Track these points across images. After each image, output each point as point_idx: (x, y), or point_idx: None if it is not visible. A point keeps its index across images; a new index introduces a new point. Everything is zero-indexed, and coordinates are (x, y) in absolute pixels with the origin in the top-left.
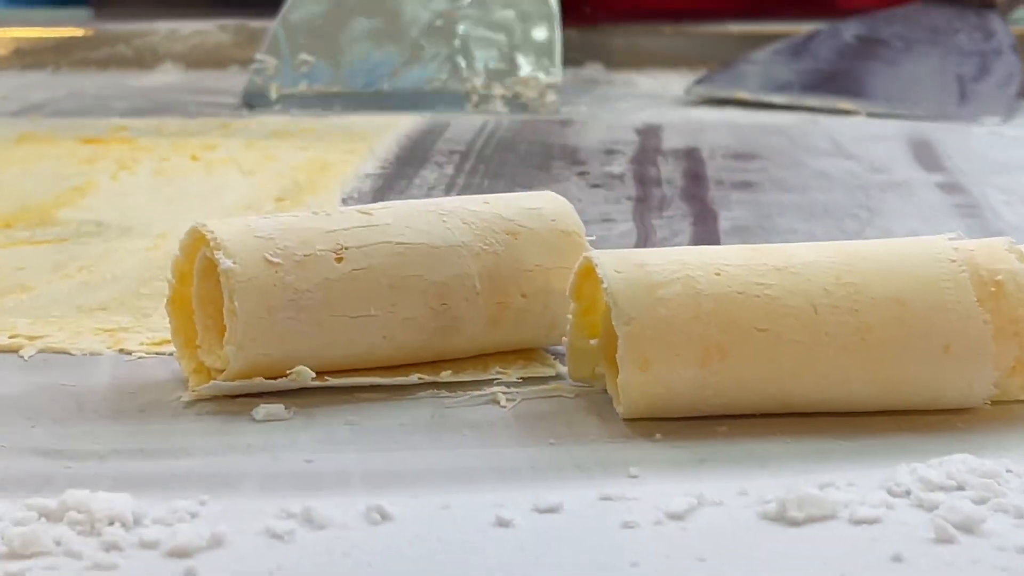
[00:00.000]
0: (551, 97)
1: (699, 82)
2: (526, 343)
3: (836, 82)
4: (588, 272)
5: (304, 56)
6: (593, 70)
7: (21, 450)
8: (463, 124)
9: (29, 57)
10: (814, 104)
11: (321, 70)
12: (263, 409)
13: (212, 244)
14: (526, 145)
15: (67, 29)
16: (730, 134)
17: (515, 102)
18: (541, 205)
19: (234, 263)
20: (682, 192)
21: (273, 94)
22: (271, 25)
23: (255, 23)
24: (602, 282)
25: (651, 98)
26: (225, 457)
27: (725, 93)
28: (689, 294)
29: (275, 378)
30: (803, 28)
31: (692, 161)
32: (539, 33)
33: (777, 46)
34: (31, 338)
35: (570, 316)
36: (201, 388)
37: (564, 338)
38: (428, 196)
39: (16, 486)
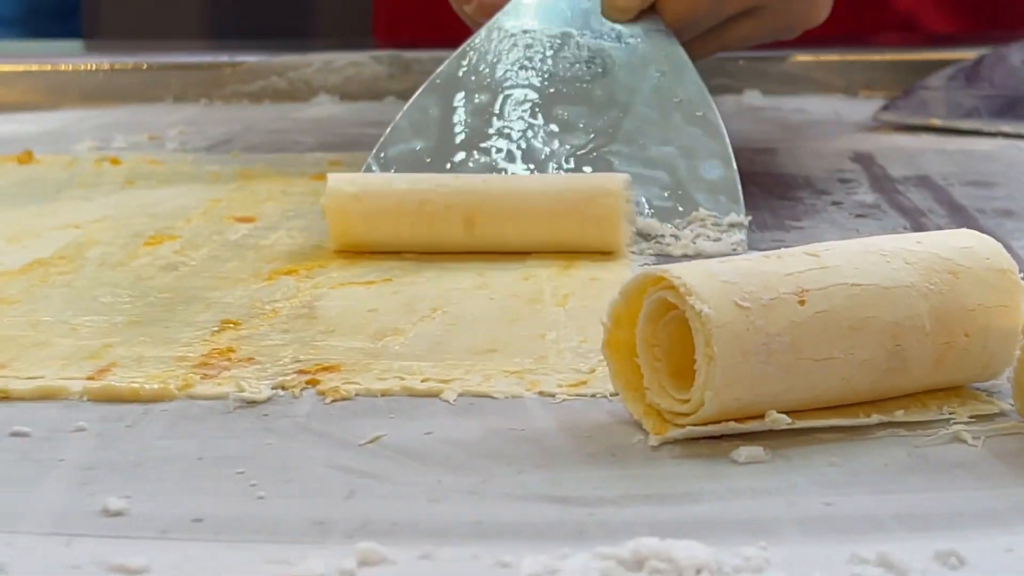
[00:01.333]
0: (737, 236)
1: (886, 109)
2: (960, 381)
3: (1022, 107)
4: None
5: None
6: (751, 96)
7: (529, 497)
8: None
9: (178, 89)
10: (1007, 130)
11: None
12: (744, 452)
13: (683, 290)
14: (758, 176)
15: (216, 61)
16: (947, 161)
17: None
18: (972, 244)
19: (709, 308)
20: (955, 221)
21: None
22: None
23: (408, 54)
24: None
25: (834, 124)
26: (741, 501)
27: (917, 120)
28: None
29: (741, 420)
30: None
31: (933, 189)
32: (712, 171)
33: (948, 72)
34: (442, 381)
35: (1018, 352)
36: (674, 433)
37: (1008, 375)
38: None
39: (555, 533)
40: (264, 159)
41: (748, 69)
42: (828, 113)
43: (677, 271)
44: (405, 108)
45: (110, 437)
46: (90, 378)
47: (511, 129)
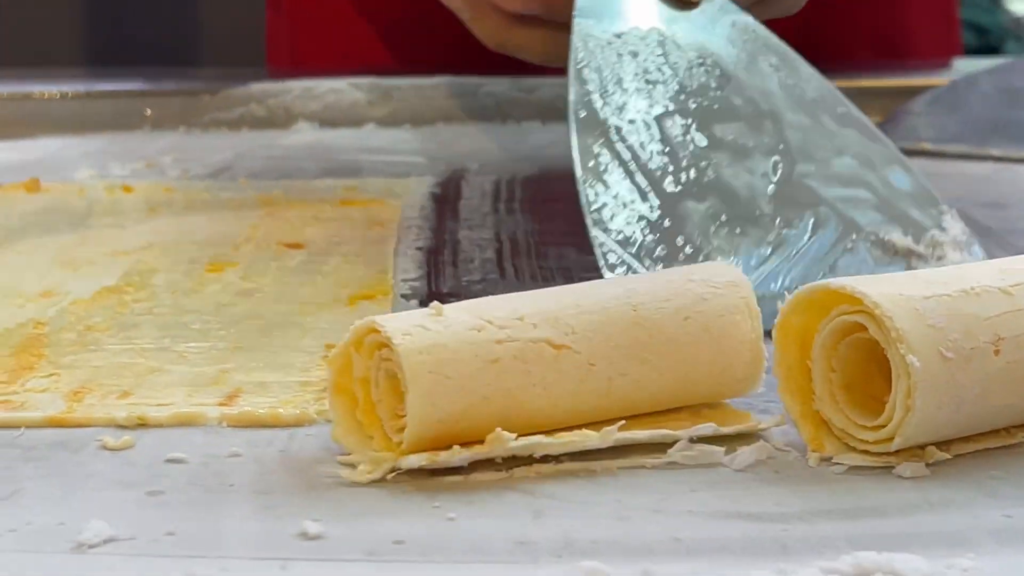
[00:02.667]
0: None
1: None
2: None
3: (1008, 130)
4: None
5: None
6: None
7: (715, 514)
8: None
9: (155, 117)
10: (996, 153)
11: None
12: (908, 467)
13: (893, 335)
14: None
15: (192, 88)
16: (952, 184)
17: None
18: None
19: (917, 361)
20: (991, 245)
21: None
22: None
23: (387, 81)
24: None
25: None
26: (924, 515)
27: (908, 144)
28: None
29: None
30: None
31: None
32: (899, 179)
33: (926, 97)
34: None
35: None
36: (846, 458)
37: None
38: None
39: (759, 550)
40: (276, 185)
41: None
42: None
43: (885, 306)
44: (578, 162)
45: (268, 462)
46: (222, 404)
47: (695, 166)
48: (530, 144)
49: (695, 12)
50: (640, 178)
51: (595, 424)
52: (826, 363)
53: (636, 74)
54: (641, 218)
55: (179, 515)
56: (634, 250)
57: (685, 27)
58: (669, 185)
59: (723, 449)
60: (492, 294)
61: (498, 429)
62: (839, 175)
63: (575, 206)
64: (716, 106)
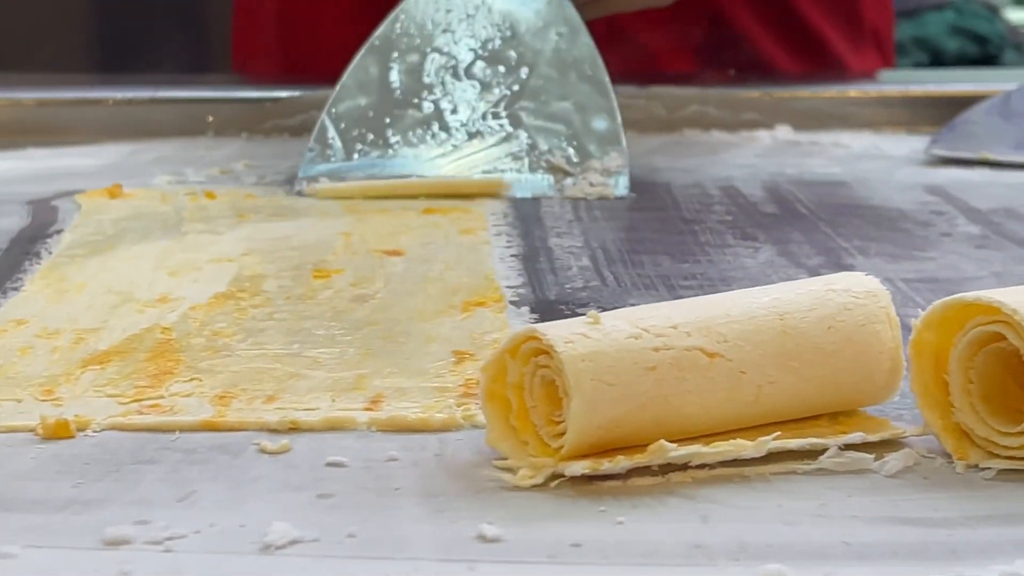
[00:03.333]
0: (621, 180)
1: (935, 143)
2: None
3: None
4: None
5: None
6: (784, 131)
7: (878, 519)
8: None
9: (217, 124)
10: None
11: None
12: None
13: None
14: (860, 210)
15: (253, 96)
16: (1019, 194)
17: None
18: None
19: None
20: None
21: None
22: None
23: None
24: None
25: (883, 158)
26: None
27: (970, 154)
28: None
29: None
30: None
31: None
32: (599, 124)
33: (983, 107)
34: None
35: None
36: (994, 464)
37: None
38: None
39: (931, 554)
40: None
41: (776, 105)
42: (868, 147)
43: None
44: (351, 67)
45: (427, 466)
46: (368, 409)
47: (437, 87)
48: None
49: None
50: (388, 88)
51: (742, 431)
52: (964, 376)
53: (440, 24)
54: (362, 111)
55: (355, 518)
56: (347, 132)
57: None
58: (407, 99)
59: (872, 456)
60: (597, 301)
61: (661, 441)
62: (551, 113)
63: (657, 213)
64: (488, 55)
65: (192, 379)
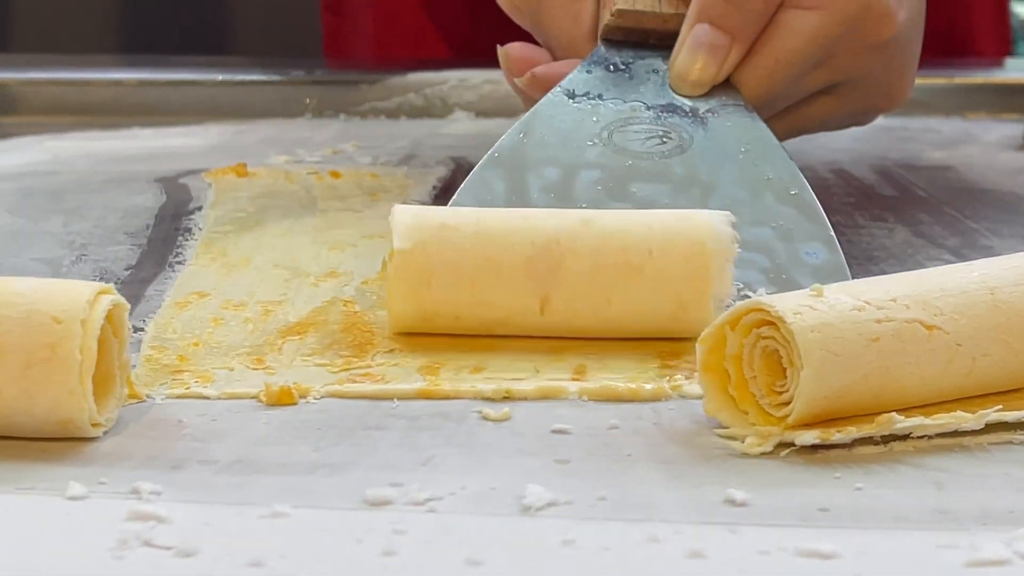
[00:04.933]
0: None
1: None
2: None
3: None
4: None
5: None
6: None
7: None
8: None
9: (315, 106)
10: None
11: None
12: None
13: None
14: (977, 193)
15: (349, 78)
16: None
17: None
18: None
19: None
20: None
21: None
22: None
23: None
24: None
25: (978, 144)
26: None
27: None
28: None
29: None
30: None
31: None
32: (813, 255)
33: None
34: None
35: None
36: None
37: None
38: None
39: None
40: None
41: None
42: (959, 132)
43: None
44: (465, 183)
45: (649, 434)
46: (575, 379)
47: (584, 209)
48: None
49: (704, 101)
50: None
51: (955, 402)
52: None
53: (584, 135)
54: None
55: (598, 482)
56: None
57: (672, 108)
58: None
59: None
60: None
61: (893, 414)
62: (743, 242)
63: None
64: (649, 170)
65: (391, 350)
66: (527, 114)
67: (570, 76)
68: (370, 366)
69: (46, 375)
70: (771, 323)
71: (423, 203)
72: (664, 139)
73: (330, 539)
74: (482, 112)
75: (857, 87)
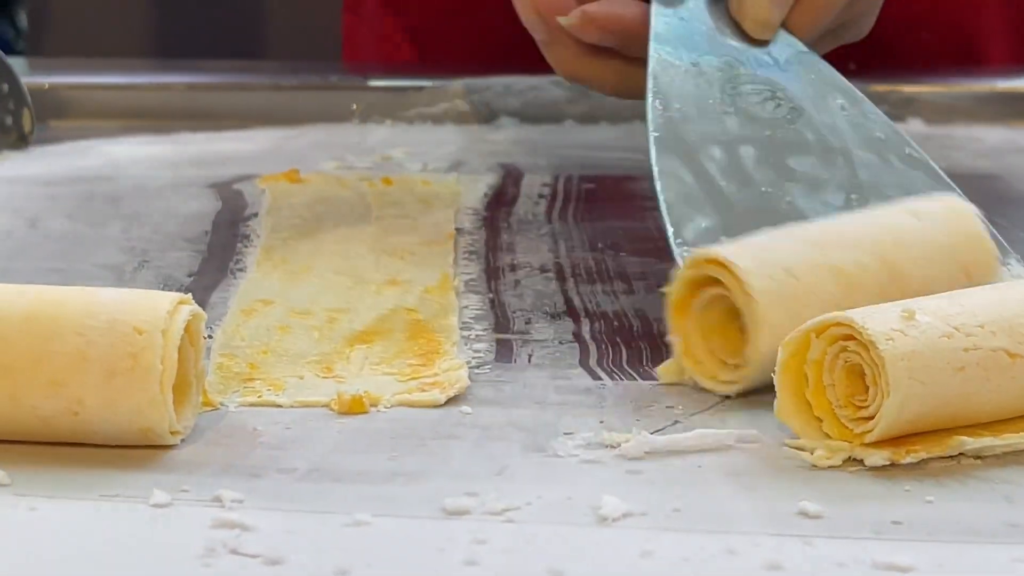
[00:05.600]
0: None
1: None
2: None
3: None
4: None
5: None
6: (915, 125)
7: None
8: None
9: (361, 112)
10: None
11: None
12: None
13: None
14: (1017, 200)
15: (396, 85)
16: None
17: None
18: None
19: None
20: None
21: None
22: None
23: None
24: None
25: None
26: None
27: None
28: None
29: None
30: None
31: None
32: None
33: None
34: None
35: None
36: None
37: None
38: None
39: None
40: None
41: (905, 100)
42: (1004, 141)
43: None
44: (658, 178)
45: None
46: None
47: (770, 193)
48: None
49: (765, 48)
50: (721, 200)
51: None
52: None
53: (711, 101)
54: (711, 235)
55: (671, 493)
56: None
57: (756, 61)
58: (745, 213)
59: None
60: None
61: (963, 437)
62: None
63: None
64: (788, 138)
65: (457, 358)
66: (649, 80)
67: (653, 25)
68: (437, 374)
69: (128, 384)
70: (855, 337)
71: (475, 211)
72: (776, 100)
73: (413, 548)
74: (527, 118)
75: (850, 25)
